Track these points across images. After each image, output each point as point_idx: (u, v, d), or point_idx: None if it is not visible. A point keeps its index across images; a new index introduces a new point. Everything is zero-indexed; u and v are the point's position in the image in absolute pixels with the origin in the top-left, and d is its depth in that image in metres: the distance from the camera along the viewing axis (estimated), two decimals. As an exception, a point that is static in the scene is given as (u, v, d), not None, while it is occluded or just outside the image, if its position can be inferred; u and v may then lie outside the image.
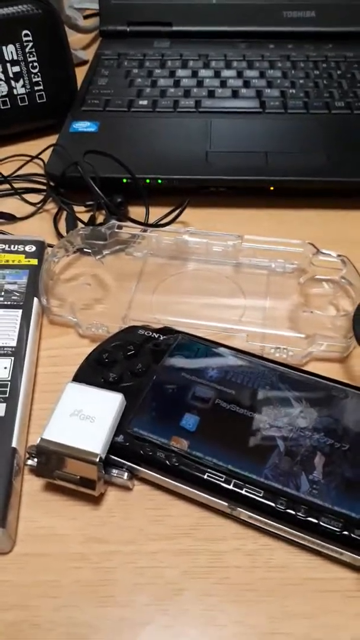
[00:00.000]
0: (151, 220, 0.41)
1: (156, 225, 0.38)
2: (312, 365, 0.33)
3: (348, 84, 0.52)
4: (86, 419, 0.26)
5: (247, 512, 0.25)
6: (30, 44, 0.48)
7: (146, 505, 0.27)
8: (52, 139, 0.47)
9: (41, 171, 0.47)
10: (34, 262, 0.37)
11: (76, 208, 0.43)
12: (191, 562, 0.25)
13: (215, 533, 0.26)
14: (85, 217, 0.42)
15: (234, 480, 0.25)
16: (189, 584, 0.25)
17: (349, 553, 0.24)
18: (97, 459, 0.25)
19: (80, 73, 0.56)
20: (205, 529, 0.26)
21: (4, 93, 0.48)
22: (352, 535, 0.23)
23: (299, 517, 0.24)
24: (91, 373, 0.30)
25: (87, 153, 0.40)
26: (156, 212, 0.42)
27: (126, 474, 0.27)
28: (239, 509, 0.25)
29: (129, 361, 0.30)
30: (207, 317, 0.34)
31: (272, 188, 0.43)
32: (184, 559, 0.25)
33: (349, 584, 0.24)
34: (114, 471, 0.27)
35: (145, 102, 0.50)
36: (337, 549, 0.24)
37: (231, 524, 0.26)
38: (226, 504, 0.26)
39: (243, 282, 0.37)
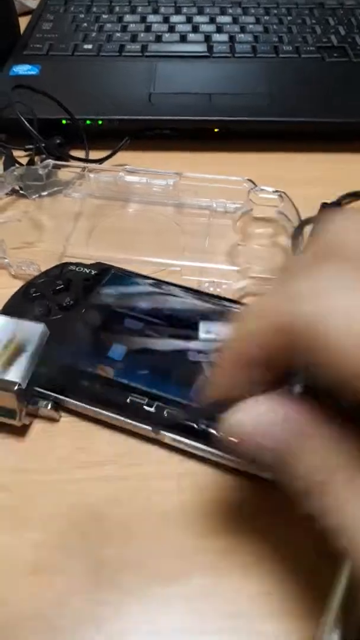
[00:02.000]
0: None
1: (93, 161, 0.37)
2: (248, 300, 0.32)
3: (298, 29, 0.51)
4: (6, 348, 0.26)
5: (170, 434, 0.25)
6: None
7: (72, 435, 0.27)
8: (-8, 84, 0.46)
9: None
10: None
11: (16, 153, 0.42)
12: (115, 489, 0.25)
13: (140, 459, 0.26)
14: (25, 161, 0.41)
15: (156, 403, 0.25)
16: (112, 509, 0.24)
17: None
18: (16, 387, 0.25)
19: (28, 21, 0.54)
20: (131, 455, 0.26)
21: None
22: (273, 452, 0.23)
23: (220, 435, 0.24)
24: (17, 308, 0.29)
25: (17, 88, 0.39)
26: (97, 155, 0.41)
27: (50, 404, 0.26)
28: (162, 432, 0.25)
29: (58, 296, 0.29)
30: (144, 255, 0.33)
31: (216, 130, 0.42)
32: (107, 485, 0.25)
33: (274, 501, 0.24)
34: (39, 402, 0.26)
35: (90, 47, 0.49)
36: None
37: (157, 450, 0.26)
38: (150, 427, 0.25)
39: (184, 222, 0.36)
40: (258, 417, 0.17)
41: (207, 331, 0.28)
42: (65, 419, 0.27)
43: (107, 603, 0.22)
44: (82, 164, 0.38)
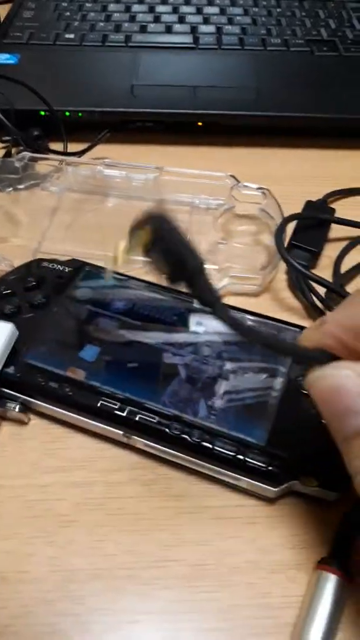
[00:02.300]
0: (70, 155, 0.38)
1: (71, 154, 0.36)
2: (228, 300, 0.31)
3: (287, 22, 0.50)
4: (-29, 348, 0.25)
5: (142, 439, 0.24)
6: None
7: (42, 439, 0.26)
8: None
9: None
10: None
11: (-8, 145, 0.41)
12: (84, 494, 0.24)
13: (112, 464, 0.25)
14: (2, 154, 0.39)
15: (128, 408, 0.24)
16: (80, 515, 0.23)
17: (245, 479, 0.23)
18: (-19, 389, 0.24)
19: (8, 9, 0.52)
20: (102, 460, 0.25)
21: None
22: (247, 459, 0.23)
23: (192, 441, 0.23)
24: (-13, 306, 0.28)
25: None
26: (76, 149, 0.39)
27: (18, 406, 0.25)
28: (134, 437, 0.24)
29: (29, 293, 0.28)
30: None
31: (200, 123, 0.41)
32: (77, 491, 0.24)
33: (246, 510, 0.24)
34: (6, 404, 0.25)
35: (72, 36, 0.47)
36: (234, 474, 0.23)
37: (129, 455, 0.25)
38: (121, 432, 0.24)
39: (164, 219, 0.35)
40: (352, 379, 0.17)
41: (198, 323, 0.27)
42: (35, 422, 0.26)
43: (72, 615, 0.21)
44: (60, 157, 0.37)
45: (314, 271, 0.33)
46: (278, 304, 0.31)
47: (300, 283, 0.31)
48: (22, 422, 0.26)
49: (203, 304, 0.19)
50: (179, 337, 0.27)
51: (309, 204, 0.35)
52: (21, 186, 0.37)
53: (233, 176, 0.35)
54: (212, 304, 0.19)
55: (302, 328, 0.27)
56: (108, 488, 0.24)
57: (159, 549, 0.23)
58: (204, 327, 0.27)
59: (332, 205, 0.36)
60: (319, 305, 0.30)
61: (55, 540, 0.23)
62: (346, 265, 0.33)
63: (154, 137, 0.42)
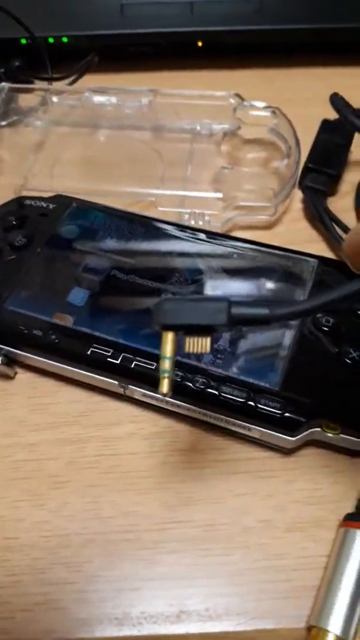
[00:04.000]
0: (55, 84, 0.34)
1: (54, 79, 0.32)
2: (237, 234, 0.28)
3: None
4: None
5: (139, 389, 0.21)
6: None
7: (29, 393, 0.23)
8: None
9: None
10: None
11: (-26, 83, 0.37)
12: (78, 452, 0.21)
13: (108, 418, 0.22)
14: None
15: (122, 354, 0.21)
16: (73, 475, 0.21)
17: (257, 428, 0.20)
18: None
19: None
20: (97, 414, 0.22)
21: None
22: (259, 405, 0.20)
23: (196, 388, 0.20)
24: None
25: None
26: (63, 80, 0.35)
27: (1, 358, 0.23)
28: (130, 386, 0.21)
29: (9, 234, 0.25)
30: (116, 186, 0.29)
31: (200, 44, 0.36)
32: (69, 449, 0.21)
33: (259, 464, 0.21)
34: (-12, 357, 0.23)
35: None
36: (244, 423, 0.20)
37: (128, 407, 0.22)
38: (116, 382, 0.21)
39: (163, 148, 0.31)
40: None
41: (186, 270, 0.24)
42: (21, 376, 0.24)
43: (67, 583, 0.19)
44: (43, 86, 0.33)
45: (333, 198, 0.29)
46: (294, 236, 0.27)
47: (319, 211, 0.27)
48: (7, 376, 0.23)
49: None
50: (180, 275, 0.24)
51: (325, 124, 0.31)
52: (3, 122, 0.33)
53: (238, 95, 0.30)
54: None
55: (318, 257, 0.24)
56: (104, 444, 0.21)
57: (163, 509, 0.20)
58: (206, 263, 0.24)
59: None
60: (341, 234, 0.26)
61: (46, 504, 0.20)
62: (370, 190, 0.29)
63: (149, 63, 0.37)
